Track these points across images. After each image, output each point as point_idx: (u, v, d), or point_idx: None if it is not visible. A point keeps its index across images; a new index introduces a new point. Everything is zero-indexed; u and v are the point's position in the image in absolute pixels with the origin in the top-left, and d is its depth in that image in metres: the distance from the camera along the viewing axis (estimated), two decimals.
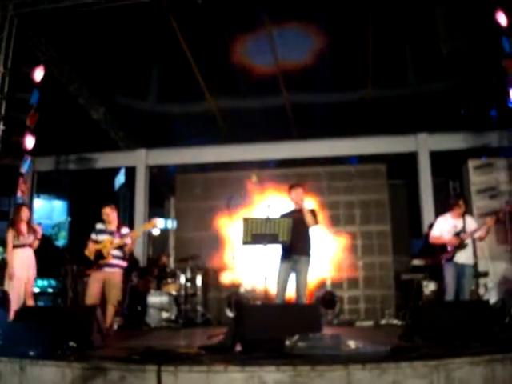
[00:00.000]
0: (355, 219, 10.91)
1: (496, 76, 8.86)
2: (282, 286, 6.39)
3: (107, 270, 6.81)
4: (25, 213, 7.15)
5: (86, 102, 10.93)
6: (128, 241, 6.94)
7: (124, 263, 7.04)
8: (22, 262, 6.92)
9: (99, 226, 7.05)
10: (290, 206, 6.71)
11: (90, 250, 6.88)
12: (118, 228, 6.99)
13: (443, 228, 7.08)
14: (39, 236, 7.17)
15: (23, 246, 6.98)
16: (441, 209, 7.69)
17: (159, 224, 7.08)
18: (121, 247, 6.88)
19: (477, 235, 6.92)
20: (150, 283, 9.82)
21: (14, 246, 6.95)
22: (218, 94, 10.56)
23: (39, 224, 7.53)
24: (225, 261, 10.54)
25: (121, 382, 3.59)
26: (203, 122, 11.69)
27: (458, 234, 6.91)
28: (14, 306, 6.48)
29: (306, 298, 6.43)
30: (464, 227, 6.94)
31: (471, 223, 7.04)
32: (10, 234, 6.98)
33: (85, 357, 4.03)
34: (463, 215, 7.06)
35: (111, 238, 6.85)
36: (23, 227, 7.04)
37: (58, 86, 9.94)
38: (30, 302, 6.98)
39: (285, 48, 9.11)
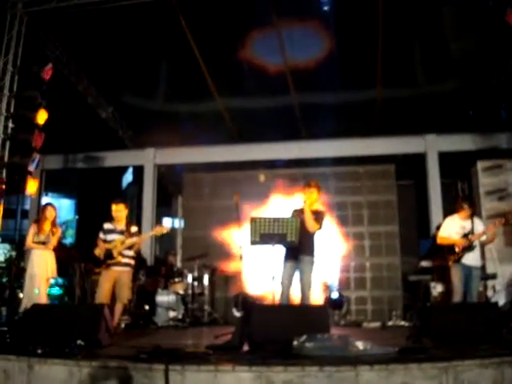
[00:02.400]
0: (363, 220, 10.89)
1: (505, 77, 8.82)
2: (287, 284, 6.33)
3: (118, 268, 6.81)
4: (49, 212, 7.32)
5: (95, 101, 10.96)
6: (137, 240, 6.98)
7: (134, 262, 7.06)
8: (40, 260, 6.99)
9: (107, 225, 7.03)
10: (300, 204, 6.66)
11: (100, 250, 6.88)
12: (127, 227, 6.98)
13: (451, 229, 7.06)
14: (56, 238, 7.27)
15: (43, 243, 7.09)
16: (449, 210, 7.64)
17: (168, 230, 7.11)
18: (130, 246, 6.90)
19: (484, 238, 6.90)
20: (157, 282, 9.84)
21: (34, 243, 7.20)
22: (227, 93, 10.54)
23: (63, 226, 7.70)
24: (232, 260, 10.53)
25: (128, 381, 3.59)
26: (211, 122, 11.67)
27: (466, 236, 6.90)
28: (27, 301, 6.58)
29: (310, 299, 6.39)
30: (472, 229, 6.93)
31: (479, 225, 7.02)
32: (32, 229, 7.29)
33: (92, 355, 4.04)
34: (471, 217, 7.04)
35: (122, 237, 6.84)
36: (46, 226, 7.17)
37: (66, 85, 9.97)
38: (44, 300, 7.08)
39: (293, 47, 9.07)
